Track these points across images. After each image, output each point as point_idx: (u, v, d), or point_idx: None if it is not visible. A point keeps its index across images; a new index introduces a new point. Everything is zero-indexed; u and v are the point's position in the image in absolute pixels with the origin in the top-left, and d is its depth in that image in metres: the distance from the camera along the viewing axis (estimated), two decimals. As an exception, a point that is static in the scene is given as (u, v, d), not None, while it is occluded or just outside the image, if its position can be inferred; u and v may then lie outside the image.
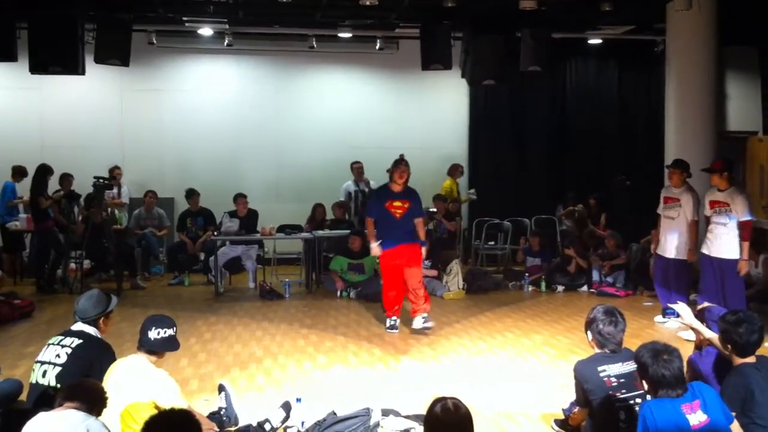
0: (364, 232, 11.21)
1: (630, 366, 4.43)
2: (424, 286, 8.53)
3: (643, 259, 11.04)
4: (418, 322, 8.36)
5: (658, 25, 12.11)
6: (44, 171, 11.13)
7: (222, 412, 5.24)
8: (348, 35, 13.25)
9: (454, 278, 10.91)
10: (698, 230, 8.53)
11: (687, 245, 8.55)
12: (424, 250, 8.64)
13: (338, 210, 12.46)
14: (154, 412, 3.99)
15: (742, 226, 7.91)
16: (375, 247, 8.52)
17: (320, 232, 11.52)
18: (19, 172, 11.89)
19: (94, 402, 3.93)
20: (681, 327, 7.85)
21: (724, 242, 8.00)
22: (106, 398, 4.04)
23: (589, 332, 4.72)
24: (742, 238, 7.90)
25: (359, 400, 5.64)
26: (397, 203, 8.43)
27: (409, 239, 8.43)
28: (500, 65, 11.60)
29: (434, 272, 11.11)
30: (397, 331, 8.45)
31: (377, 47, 13.32)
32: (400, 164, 8.52)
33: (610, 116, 14.94)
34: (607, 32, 13.41)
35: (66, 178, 11.66)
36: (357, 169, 12.86)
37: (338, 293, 10.75)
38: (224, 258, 11.34)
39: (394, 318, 8.56)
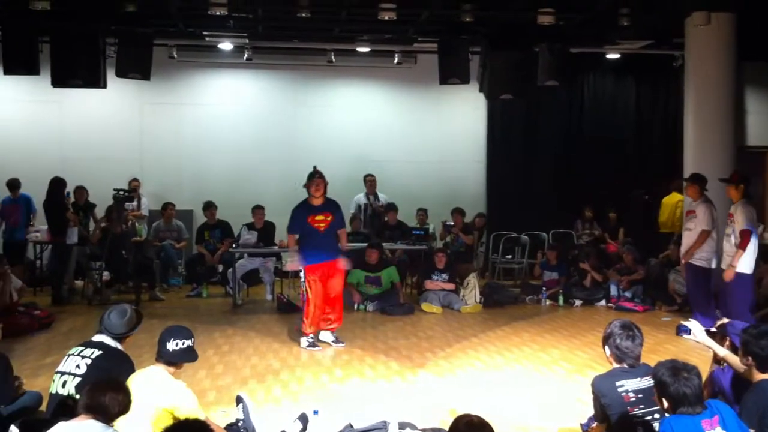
0: (381, 245, 11.29)
1: (648, 381, 4.40)
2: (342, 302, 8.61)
3: (662, 274, 10.99)
4: (327, 336, 8.48)
5: (676, 40, 12.08)
6: (60, 184, 11.23)
7: (240, 424, 5.26)
8: (366, 49, 13.31)
9: (471, 292, 10.91)
10: (705, 241, 8.68)
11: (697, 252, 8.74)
12: (346, 262, 8.66)
13: (355, 223, 12.51)
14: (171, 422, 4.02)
15: (740, 235, 8.08)
16: (292, 261, 8.46)
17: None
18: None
19: (121, 403, 3.94)
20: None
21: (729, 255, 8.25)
22: (130, 401, 4.03)
23: (606, 347, 4.70)
24: (738, 246, 8.06)
25: (376, 413, 5.65)
26: (319, 217, 8.36)
27: (332, 255, 8.38)
28: (518, 79, 11.63)
29: (451, 286, 11.10)
30: (320, 348, 8.29)
31: (395, 61, 13.38)
32: (315, 177, 8.40)
33: (627, 131, 14.91)
34: (625, 47, 13.40)
35: (80, 190, 11.78)
36: (370, 182, 12.91)
37: (355, 306, 10.75)
38: (242, 270, 11.39)
39: (312, 336, 8.37)
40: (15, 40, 10.89)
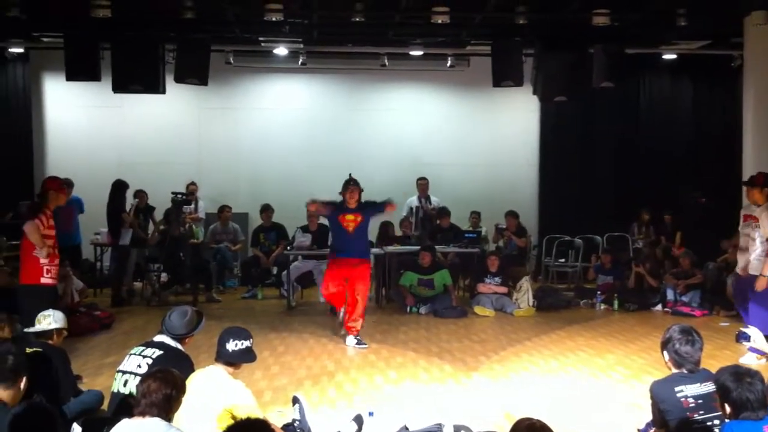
0: (434, 247, 11.30)
1: (708, 387, 4.35)
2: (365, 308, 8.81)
3: (720, 278, 10.80)
4: (351, 341, 8.59)
5: (735, 40, 11.86)
6: (122, 187, 11.47)
7: (296, 424, 5.32)
8: (419, 53, 13.33)
9: (524, 295, 10.86)
10: None
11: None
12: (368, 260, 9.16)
13: (407, 226, 12.54)
14: (231, 421, 4.09)
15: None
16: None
17: (390, 248, 11.59)
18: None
19: (178, 387, 4.00)
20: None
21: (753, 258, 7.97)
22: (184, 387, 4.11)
23: (665, 352, 4.64)
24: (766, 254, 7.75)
25: (431, 416, 5.67)
26: (349, 216, 8.67)
27: (358, 255, 8.68)
28: (572, 81, 11.54)
29: (504, 289, 11.06)
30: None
31: (448, 65, 13.37)
32: (349, 185, 8.75)
33: (683, 132, 14.67)
34: (681, 47, 13.20)
35: (140, 194, 12.03)
36: (422, 185, 12.93)
37: (408, 309, 10.79)
38: (296, 272, 11.51)
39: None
40: (77, 47, 11.20)
